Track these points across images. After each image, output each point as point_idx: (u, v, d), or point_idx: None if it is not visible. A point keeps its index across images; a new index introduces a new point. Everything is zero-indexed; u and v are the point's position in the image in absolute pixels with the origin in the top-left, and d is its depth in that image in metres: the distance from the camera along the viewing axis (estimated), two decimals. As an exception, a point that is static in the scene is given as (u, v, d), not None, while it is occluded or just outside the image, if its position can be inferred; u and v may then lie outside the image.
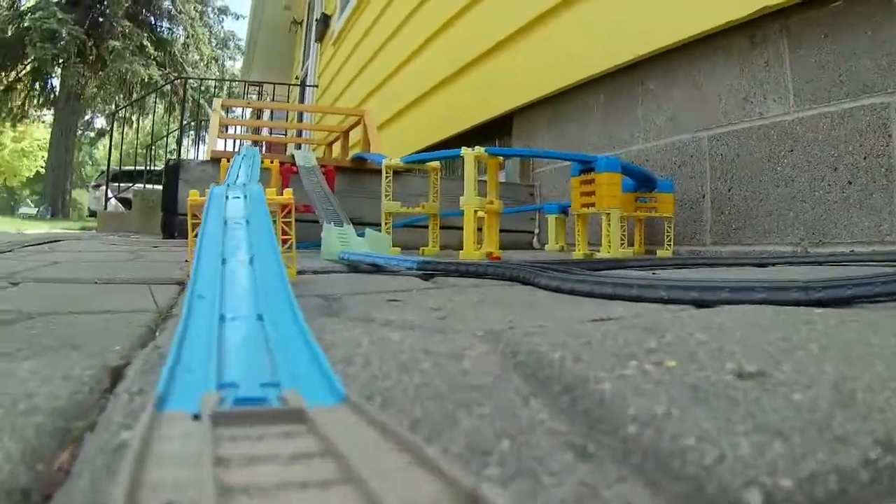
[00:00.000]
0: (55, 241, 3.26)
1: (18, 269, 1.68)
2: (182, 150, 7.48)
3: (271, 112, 7.10)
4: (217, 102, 4.42)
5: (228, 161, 3.01)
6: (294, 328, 0.57)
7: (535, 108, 3.59)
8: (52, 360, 0.61)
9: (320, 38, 8.92)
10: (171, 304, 1.05)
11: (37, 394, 0.50)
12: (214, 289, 0.69)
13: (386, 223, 2.52)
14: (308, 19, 10.28)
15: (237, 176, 2.67)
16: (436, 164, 2.65)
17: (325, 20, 8.65)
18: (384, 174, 2.57)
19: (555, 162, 3.49)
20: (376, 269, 1.61)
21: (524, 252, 3.01)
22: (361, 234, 2.05)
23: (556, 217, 2.94)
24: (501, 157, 2.60)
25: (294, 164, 3.02)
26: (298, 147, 4.86)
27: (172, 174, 3.55)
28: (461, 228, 2.52)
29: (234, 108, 7.31)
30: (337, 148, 4.70)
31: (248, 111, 6.05)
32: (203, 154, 6.17)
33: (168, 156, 7.25)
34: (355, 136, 4.43)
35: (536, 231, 3.68)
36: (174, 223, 3.54)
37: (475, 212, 2.31)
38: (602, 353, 0.56)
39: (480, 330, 0.70)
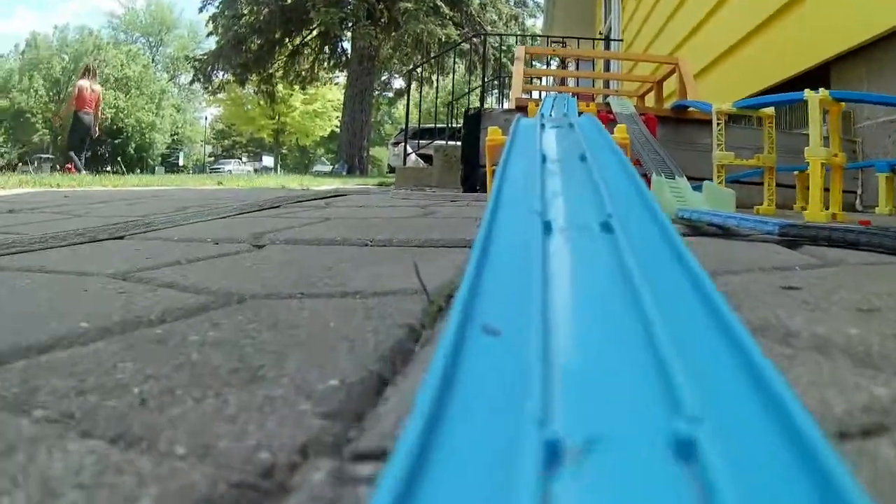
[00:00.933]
0: (339, 195, 3.25)
1: (276, 228, 1.58)
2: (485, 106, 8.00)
3: (577, 65, 7.31)
4: (520, 50, 4.62)
5: (537, 106, 3.07)
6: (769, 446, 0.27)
7: (851, 58, 3.37)
8: (159, 448, 0.36)
9: (621, -11, 8.93)
10: (452, 284, 0.80)
11: None
12: (527, 308, 0.34)
13: (719, 176, 2.43)
14: (607, -29, 10.33)
15: (551, 112, 2.60)
16: (770, 110, 2.52)
17: (626, -29, 8.65)
18: (715, 121, 2.49)
19: (878, 115, 3.27)
20: (723, 231, 1.49)
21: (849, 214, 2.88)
22: (697, 189, 1.93)
23: (887, 176, 2.77)
24: (843, 104, 2.48)
25: (610, 111, 3.06)
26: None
27: (473, 124, 3.59)
28: (788, 186, 2.44)
29: (536, 62, 7.62)
30: (650, 99, 4.69)
31: (554, 63, 6.32)
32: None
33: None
34: (668, 87, 4.41)
35: (859, 191, 3.47)
36: (476, 176, 3.56)
37: (822, 165, 2.14)
38: None
39: None
